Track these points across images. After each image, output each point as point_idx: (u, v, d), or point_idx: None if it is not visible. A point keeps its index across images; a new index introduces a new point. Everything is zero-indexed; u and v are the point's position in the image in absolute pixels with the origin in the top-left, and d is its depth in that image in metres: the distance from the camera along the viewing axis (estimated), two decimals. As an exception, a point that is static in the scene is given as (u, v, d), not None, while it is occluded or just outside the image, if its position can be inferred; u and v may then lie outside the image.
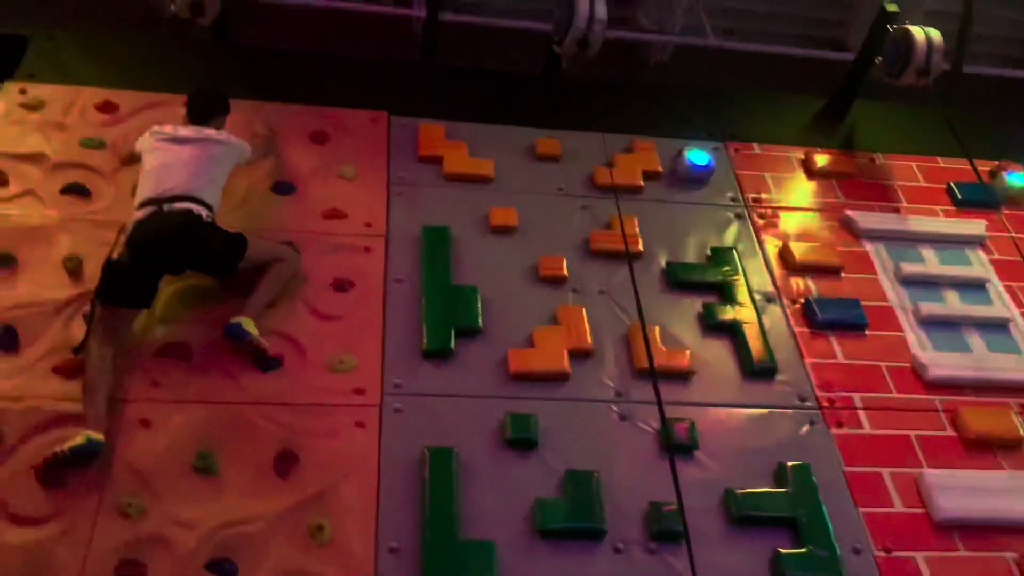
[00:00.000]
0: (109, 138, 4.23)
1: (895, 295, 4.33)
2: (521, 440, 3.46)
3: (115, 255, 3.49)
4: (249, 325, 3.48)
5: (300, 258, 3.82)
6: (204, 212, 3.56)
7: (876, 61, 5.17)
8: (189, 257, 3.55)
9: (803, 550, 3.29)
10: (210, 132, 3.80)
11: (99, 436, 3.10)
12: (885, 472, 3.60)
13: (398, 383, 3.58)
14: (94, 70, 4.62)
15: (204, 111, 3.92)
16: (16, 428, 3.19)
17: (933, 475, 3.58)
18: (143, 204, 3.55)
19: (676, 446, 3.51)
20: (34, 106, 4.33)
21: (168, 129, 3.79)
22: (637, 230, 4.32)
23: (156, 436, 3.24)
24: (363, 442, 3.37)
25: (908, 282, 4.39)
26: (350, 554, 3.06)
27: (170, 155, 3.66)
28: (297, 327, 3.67)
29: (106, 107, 4.40)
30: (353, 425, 3.41)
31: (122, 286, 3.42)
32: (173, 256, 3.51)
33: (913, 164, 5.06)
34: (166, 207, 3.50)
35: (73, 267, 3.68)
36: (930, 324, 4.21)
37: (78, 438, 3.06)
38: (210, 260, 3.58)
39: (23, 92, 4.39)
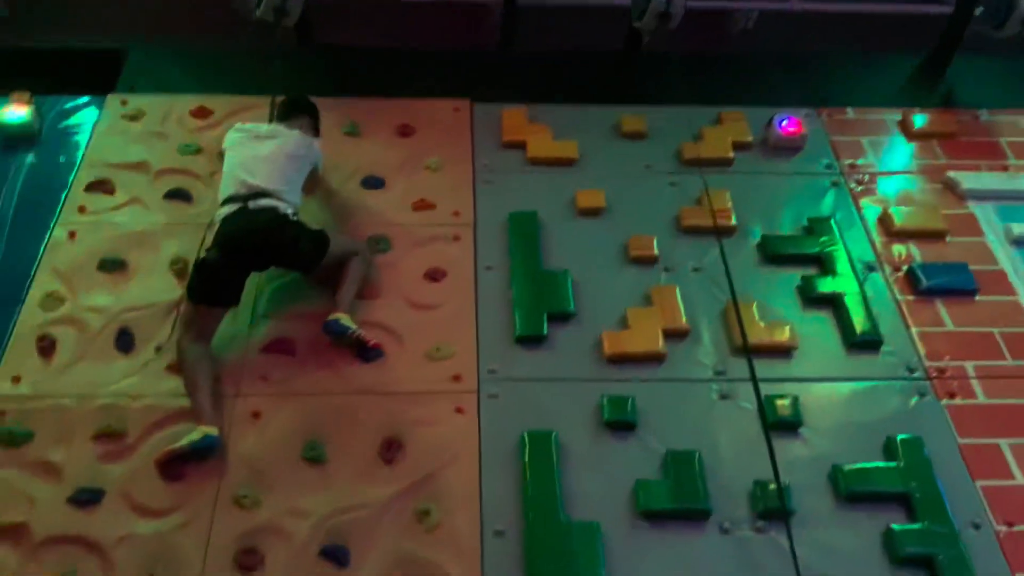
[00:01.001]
0: (204, 143, 4.39)
1: (1006, 257, 4.13)
2: (619, 422, 3.45)
3: (203, 253, 3.55)
4: (346, 320, 3.56)
5: (368, 249, 3.89)
6: (290, 209, 3.63)
7: (976, 12, 4.91)
8: (278, 254, 3.62)
9: (918, 525, 3.19)
10: (287, 130, 3.85)
11: (213, 430, 3.24)
12: (1003, 443, 3.45)
13: (493, 369, 3.61)
14: (188, 78, 4.81)
15: (285, 111, 4.01)
16: (136, 425, 3.36)
17: (1056, 445, 3.42)
18: (227, 200, 3.61)
19: (778, 423, 3.44)
20: (135, 116, 4.53)
21: (249, 126, 3.88)
22: (729, 204, 4.23)
23: (267, 428, 3.37)
24: (463, 428, 3.42)
25: (1020, 243, 4.18)
26: (457, 538, 3.12)
27: (250, 152, 3.72)
28: (394, 318, 3.74)
29: (200, 113, 4.56)
30: (453, 411, 3.46)
31: (213, 283, 3.49)
32: (262, 252, 3.58)
33: (1020, 118, 4.80)
34: (251, 204, 3.56)
35: (179, 269, 3.84)
36: (1046, 287, 4.01)
37: (194, 434, 3.20)
38: (298, 256, 3.64)
39: (124, 104, 4.59)
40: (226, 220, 3.56)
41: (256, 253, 3.57)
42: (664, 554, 3.12)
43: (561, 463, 3.31)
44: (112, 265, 3.87)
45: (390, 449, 3.34)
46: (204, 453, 3.22)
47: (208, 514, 3.13)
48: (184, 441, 3.19)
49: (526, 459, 3.32)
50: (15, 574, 2.96)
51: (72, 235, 3.99)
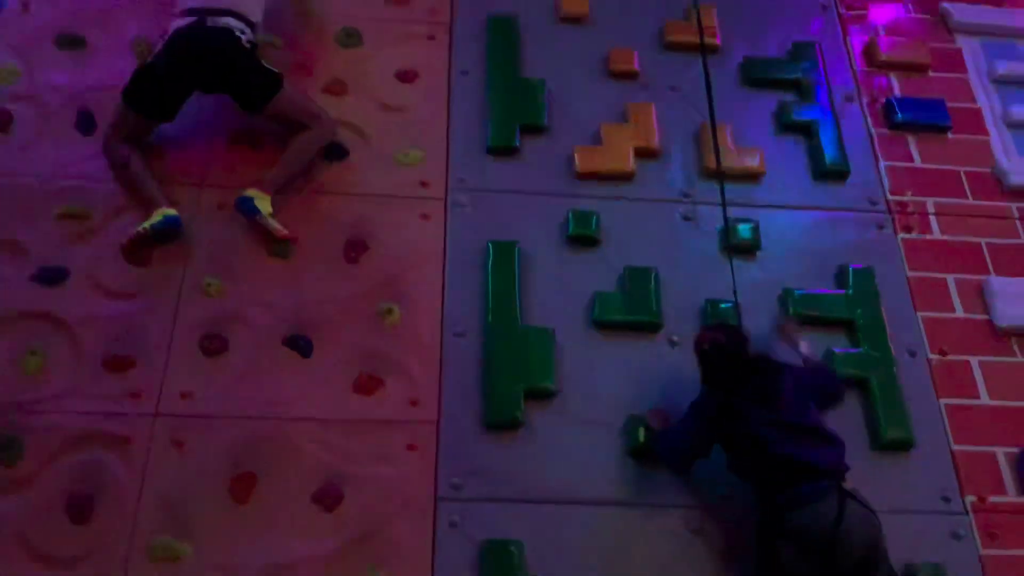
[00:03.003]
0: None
1: (985, 96, 4.10)
2: (583, 237, 3.50)
3: (150, 59, 3.40)
4: (262, 202, 3.29)
5: (335, 128, 3.56)
6: (245, 36, 3.40)
7: None
8: (225, 83, 3.41)
9: (858, 351, 3.35)
10: None
11: (172, 211, 3.24)
12: (950, 278, 3.58)
13: (463, 178, 3.61)
14: None
15: None
16: (101, 207, 3.34)
17: (1000, 282, 3.54)
18: (186, 12, 3.41)
19: (737, 246, 3.51)
20: None
21: None
22: (715, 22, 4.10)
23: (232, 222, 3.36)
24: (429, 234, 3.45)
25: (1002, 83, 4.13)
26: (418, 336, 3.23)
27: None
28: (361, 118, 3.67)
29: None
30: (419, 217, 3.48)
31: (152, 95, 3.35)
32: (209, 75, 3.38)
33: (1025, -49, 4.62)
34: (209, 21, 3.35)
35: (141, 51, 3.68)
36: (1019, 128, 4.00)
37: (155, 216, 3.21)
38: (243, 89, 3.42)
39: None
40: (179, 33, 3.35)
41: (203, 73, 3.38)
42: (613, 362, 3.27)
43: (523, 273, 3.38)
44: (70, 42, 3.71)
45: (355, 249, 3.38)
46: (168, 234, 3.23)
47: (173, 299, 3.19)
48: (145, 224, 3.20)
49: (489, 267, 3.38)
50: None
51: (26, 6, 3.80)
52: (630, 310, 3.34)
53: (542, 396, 3.15)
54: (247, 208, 3.29)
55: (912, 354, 3.39)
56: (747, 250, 3.54)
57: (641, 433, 3.08)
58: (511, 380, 3.15)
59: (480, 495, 2.98)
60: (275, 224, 3.30)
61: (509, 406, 3.11)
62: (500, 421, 3.09)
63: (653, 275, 3.42)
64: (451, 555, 2.86)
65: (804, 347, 3.16)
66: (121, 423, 2.94)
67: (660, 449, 3.02)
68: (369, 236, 3.41)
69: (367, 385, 3.12)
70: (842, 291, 3.48)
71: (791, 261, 3.55)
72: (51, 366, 3.02)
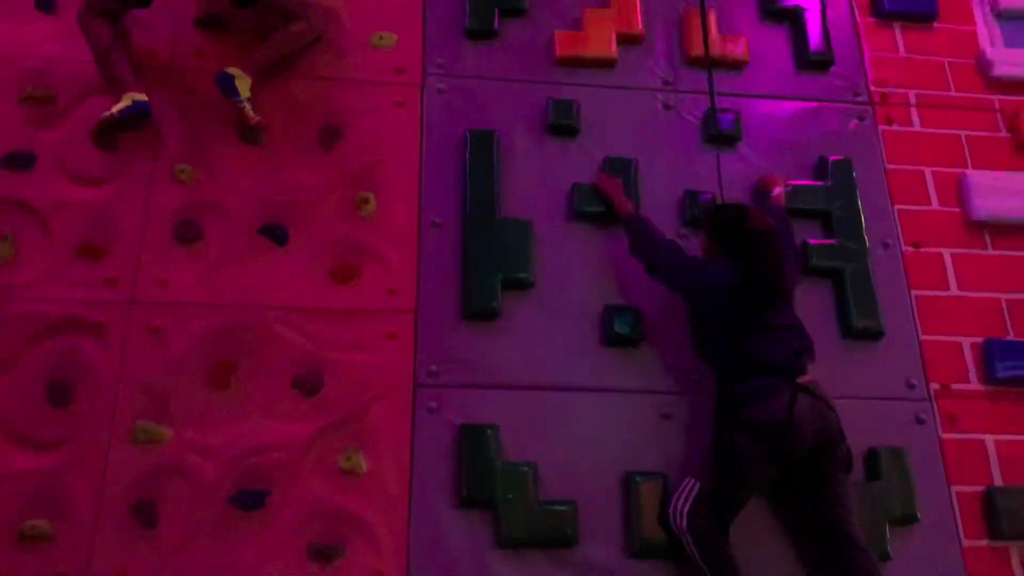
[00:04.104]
0: None
1: (974, -18, 4.01)
2: (562, 126, 3.45)
3: None
4: (242, 83, 3.18)
5: (324, 26, 3.43)
6: None
7: None
8: None
9: (833, 242, 3.38)
10: None
11: (142, 96, 3.14)
12: (927, 171, 3.58)
13: (440, 63, 3.52)
14: None
15: None
16: (66, 90, 3.24)
17: (977, 175, 3.55)
18: None
19: (718, 136, 3.48)
20: None
21: None
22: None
23: (205, 110, 3.27)
24: (405, 121, 3.39)
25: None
26: (395, 226, 3.21)
27: None
28: (336, -1, 3.55)
29: None
30: (393, 105, 3.40)
31: None
32: None
33: None
34: None
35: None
36: (1008, 19, 3.93)
37: (124, 100, 3.11)
38: None
39: None
40: None
41: None
42: (590, 252, 3.27)
43: (501, 163, 3.34)
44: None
45: (329, 136, 3.31)
46: (136, 120, 3.14)
47: (145, 186, 3.14)
48: (113, 109, 3.11)
49: (467, 157, 3.33)
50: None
51: None
52: (608, 200, 3.32)
53: (519, 287, 3.17)
54: (227, 86, 3.18)
55: (886, 246, 3.43)
56: (728, 141, 3.51)
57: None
58: (489, 271, 3.15)
59: (457, 382, 3.02)
60: (250, 109, 3.22)
61: (486, 296, 3.12)
62: (477, 311, 3.11)
63: (633, 166, 3.39)
64: (429, 439, 2.93)
65: (777, 191, 3.25)
66: (97, 309, 2.94)
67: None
68: (344, 123, 3.34)
69: (344, 274, 3.12)
70: (820, 183, 3.48)
71: (771, 152, 3.52)
72: (23, 253, 2.99)
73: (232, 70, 3.19)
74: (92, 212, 3.07)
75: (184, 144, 3.22)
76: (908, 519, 2.99)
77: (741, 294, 2.88)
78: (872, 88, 3.71)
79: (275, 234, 3.13)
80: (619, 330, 3.11)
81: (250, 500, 2.77)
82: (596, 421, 3.03)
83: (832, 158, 3.51)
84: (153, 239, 3.06)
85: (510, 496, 2.85)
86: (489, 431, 2.93)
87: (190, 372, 2.89)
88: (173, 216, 3.11)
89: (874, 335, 3.25)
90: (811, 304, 3.19)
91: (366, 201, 3.22)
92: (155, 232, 3.07)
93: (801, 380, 2.80)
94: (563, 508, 2.87)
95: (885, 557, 2.91)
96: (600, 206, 3.30)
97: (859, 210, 3.43)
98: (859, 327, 3.24)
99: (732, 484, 2.77)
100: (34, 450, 2.75)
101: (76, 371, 2.86)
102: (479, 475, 2.88)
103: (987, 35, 3.90)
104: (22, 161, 3.11)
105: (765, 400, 2.76)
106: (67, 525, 2.68)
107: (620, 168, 3.37)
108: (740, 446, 2.76)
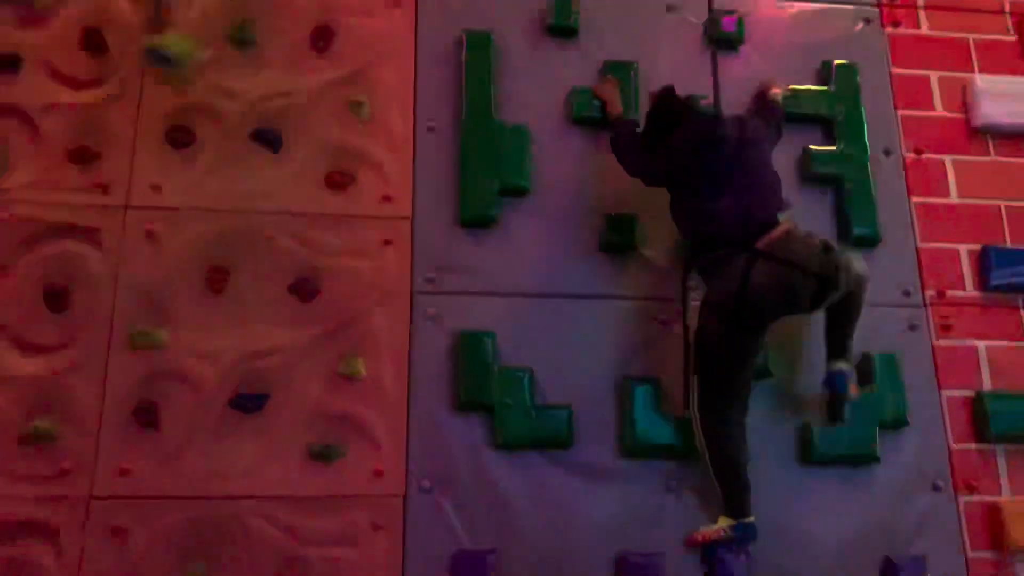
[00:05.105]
0: None
1: None
2: (561, 27, 3.35)
3: None
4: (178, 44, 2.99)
5: None
6: None
7: None
8: None
9: (833, 148, 3.33)
10: None
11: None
12: (933, 76, 3.51)
13: (434, -41, 3.40)
14: None
15: None
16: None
17: (984, 80, 3.48)
18: None
19: (721, 39, 3.40)
20: None
21: None
22: None
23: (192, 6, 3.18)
24: (399, 23, 3.29)
25: None
26: (390, 130, 3.16)
27: None
28: None
29: None
30: (387, 5, 3.30)
31: None
32: None
33: None
34: None
35: None
36: (1022, -83, 3.80)
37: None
38: None
39: None
40: None
41: None
42: (588, 158, 3.23)
43: (498, 65, 3.27)
44: None
45: (323, 37, 3.23)
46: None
47: (136, 89, 3.07)
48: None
49: (463, 59, 3.26)
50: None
51: None
52: (605, 107, 3.26)
53: (517, 193, 3.14)
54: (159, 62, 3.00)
55: (888, 153, 3.38)
56: (730, 44, 3.43)
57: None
58: (486, 177, 3.12)
59: (455, 288, 3.03)
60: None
61: (483, 203, 3.10)
62: (474, 218, 3.10)
63: (633, 69, 3.32)
64: (426, 345, 2.95)
65: (775, 91, 3.24)
66: (92, 215, 2.92)
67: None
68: (336, 24, 3.25)
69: (339, 180, 3.08)
70: (823, 87, 3.41)
71: (775, 56, 3.44)
72: (14, 157, 2.94)
73: (156, 42, 2.96)
74: (83, 116, 3.01)
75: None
76: (898, 423, 3.04)
77: (675, 176, 2.87)
78: (880, -12, 3.61)
79: (268, 139, 3.08)
80: (615, 237, 3.10)
81: (250, 403, 2.81)
82: (595, 327, 3.05)
83: (836, 62, 3.43)
84: (145, 143, 3.02)
85: (507, 400, 2.89)
86: (487, 337, 2.95)
87: (186, 277, 2.89)
88: (164, 120, 3.05)
89: (872, 242, 3.24)
90: (811, 211, 3.17)
91: (360, 105, 3.16)
92: (147, 136, 3.03)
93: (762, 243, 2.72)
94: (559, 411, 2.92)
95: (874, 459, 2.98)
96: (599, 111, 3.24)
97: (862, 116, 3.37)
98: (857, 234, 3.22)
99: (716, 368, 2.79)
100: (35, 354, 2.77)
101: (73, 277, 2.86)
102: (477, 380, 2.91)
103: (999, -66, 3.76)
104: (7, 62, 3.03)
105: (720, 274, 2.75)
106: (71, 426, 2.73)
107: (620, 71, 3.30)
108: (706, 327, 2.77)
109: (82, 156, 2.98)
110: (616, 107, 3.16)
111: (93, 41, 3.10)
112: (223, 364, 2.82)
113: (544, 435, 2.90)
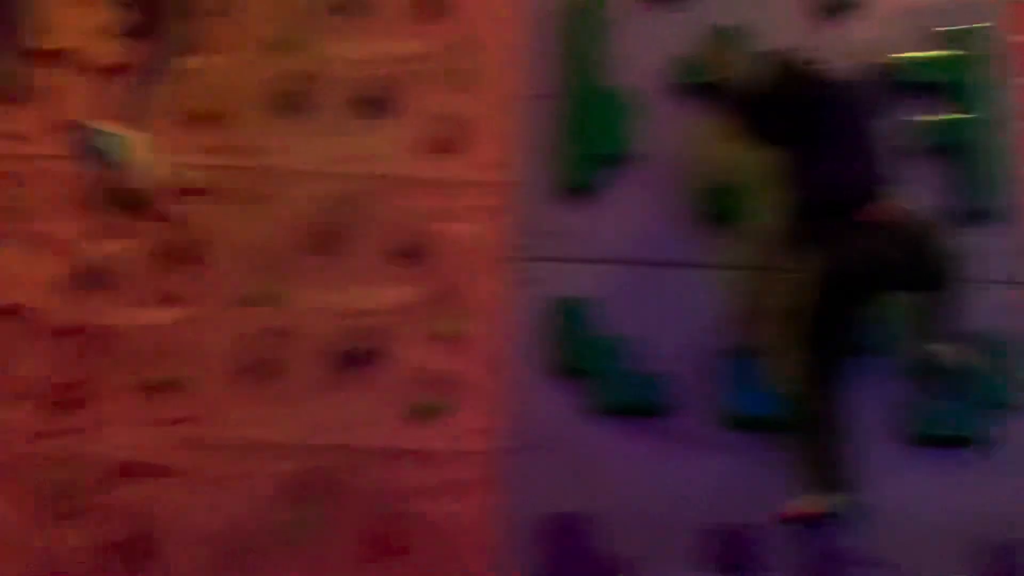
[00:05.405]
0: None
1: None
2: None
3: None
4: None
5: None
6: None
7: None
8: None
9: (950, 116, 3.20)
10: None
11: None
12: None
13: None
14: None
15: None
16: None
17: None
18: None
19: (833, 3, 3.30)
20: None
21: None
22: None
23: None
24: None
25: None
26: (495, 97, 3.19)
27: None
28: None
29: None
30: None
31: None
32: None
33: None
34: None
35: None
36: None
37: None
38: None
39: None
40: None
41: None
42: (695, 126, 3.18)
43: (605, 31, 3.25)
44: None
45: (427, 8, 3.26)
46: None
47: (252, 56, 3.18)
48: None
49: (569, 24, 3.26)
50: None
51: None
52: (711, 71, 3.21)
53: (619, 161, 3.14)
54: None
55: (1004, 123, 3.24)
56: (842, 7, 3.32)
57: None
58: (589, 144, 3.13)
59: (554, 255, 3.05)
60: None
61: (585, 171, 3.11)
62: (576, 185, 3.11)
63: (743, 34, 3.26)
64: (525, 311, 2.99)
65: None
66: (210, 175, 3.04)
67: None
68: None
69: (442, 145, 3.13)
70: (938, 53, 3.28)
71: (892, 19, 3.33)
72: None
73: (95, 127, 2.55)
74: (201, 80, 3.11)
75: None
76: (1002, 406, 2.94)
77: (791, 140, 2.81)
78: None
79: (374, 106, 3.14)
80: (717, 206, 3.07)
81: (358, 358, 2.91)
82: (692, 297, 3.03)
83: (952, 27, 3.30)
84: (258, 110, 3.12)
85: (605, 366, 2.91)
86: (587, 304, 2.97)
87: (299, 238, 3.01)
88: (273, 85, 3.15)
89: (990, 216, 3.11)
90: (925, 181, 3.07)
91: (466, 72, 3.19)
92: (261, 102, 3.13)
93: (868, 215, 2.68)
94: (656, 379, 2.92)
95: (987, 441, 2.89)
96: (704, 78, 3.20)
97: (977, 83, 3.24)
98: (973, 207, 3.11)
99: (817, 341, 2.73)
100: (163, 307, 2.93)
101: (191, 236, 3.00)
102: (575, 346, 2.94)
103: None
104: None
105: (825, 245, 2.68)
106: (192, 375, 2.88)
107: (728, 37, 3.25)
108: (808, 299, 2.70)
109: (202, 118, 3.10)
110: (728, 71, 3.11)
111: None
112: (331, 322, 2.93)
113: (641, 403, 2.91)
